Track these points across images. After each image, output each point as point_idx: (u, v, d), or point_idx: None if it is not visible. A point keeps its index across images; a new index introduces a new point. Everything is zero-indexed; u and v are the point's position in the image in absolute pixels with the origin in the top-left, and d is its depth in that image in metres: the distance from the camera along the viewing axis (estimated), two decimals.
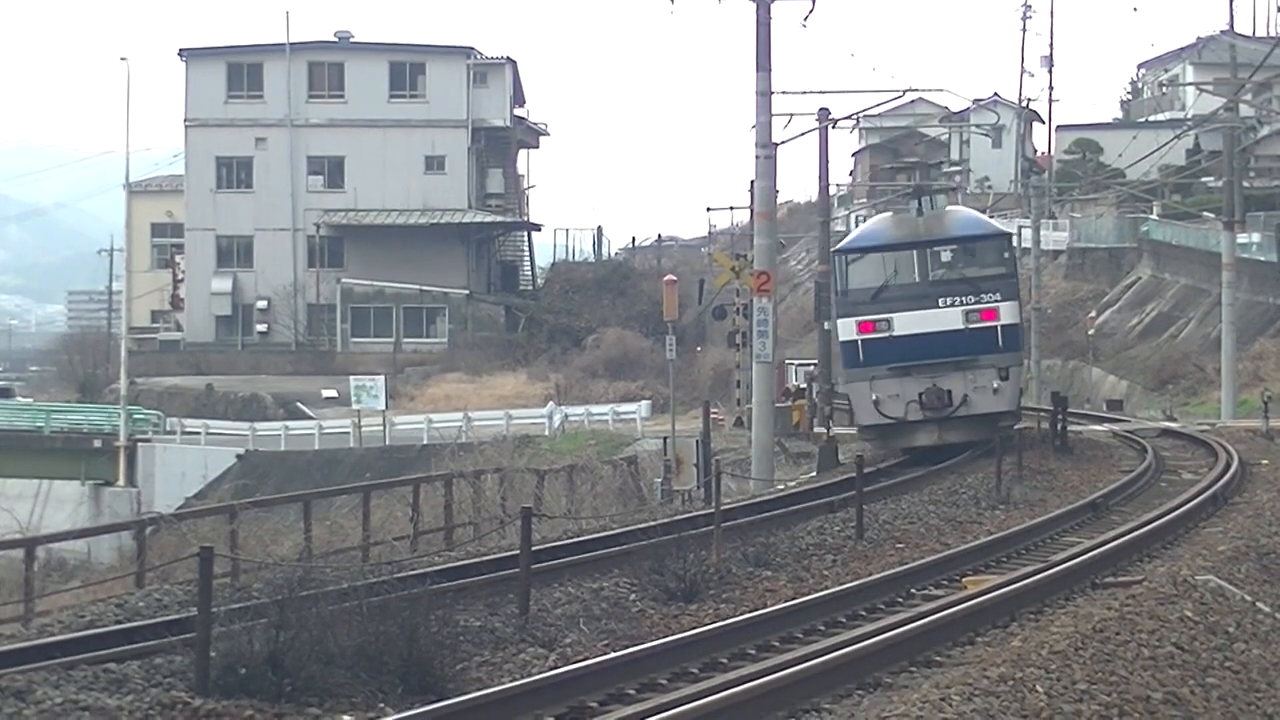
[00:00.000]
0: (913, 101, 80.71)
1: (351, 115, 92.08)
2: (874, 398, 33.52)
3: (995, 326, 33.66)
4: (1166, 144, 59.22)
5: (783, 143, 38.17)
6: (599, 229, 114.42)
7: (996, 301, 33.73)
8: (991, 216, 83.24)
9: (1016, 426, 35.10)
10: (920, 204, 34.95)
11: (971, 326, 33.53)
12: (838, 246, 37.37)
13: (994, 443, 30.35)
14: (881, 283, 33.89)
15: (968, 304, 33.60)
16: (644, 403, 66.20)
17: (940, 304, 33.59)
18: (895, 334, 33.51)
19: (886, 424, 33.81)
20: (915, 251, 33.95)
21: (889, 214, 38.20)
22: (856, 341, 33.84)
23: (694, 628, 16.42)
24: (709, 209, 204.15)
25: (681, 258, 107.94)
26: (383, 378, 68.74)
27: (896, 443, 34.56)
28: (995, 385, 33.43)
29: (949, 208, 36.77)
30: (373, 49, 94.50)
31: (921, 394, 33.27)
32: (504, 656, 15.70)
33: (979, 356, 33.48)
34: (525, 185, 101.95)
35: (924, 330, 33.44)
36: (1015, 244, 40.49)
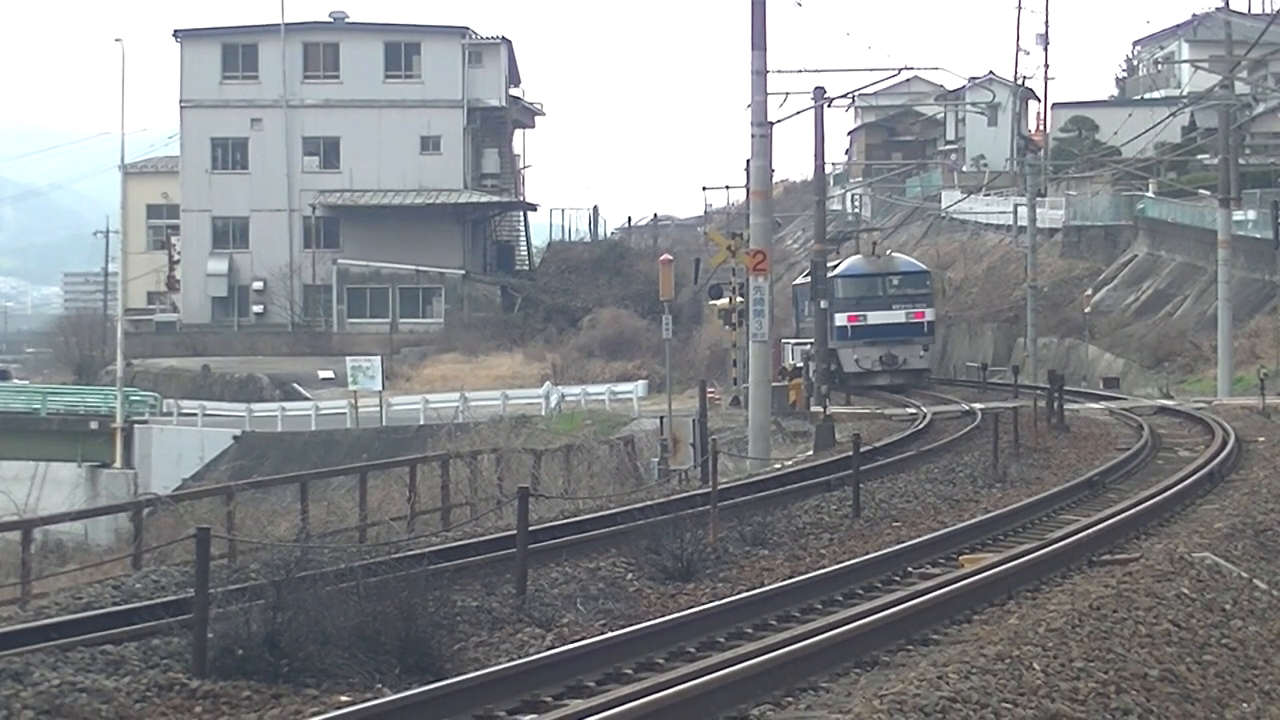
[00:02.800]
0: (908, 80, 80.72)
1: (347, 96, 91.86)
2: (855, 357, 57.03)
3: (923, 321, 57.95)
4: (1162, 121, 59.14)
5: (778, 122, 38.31)
6: (595, 209, 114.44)
7: (923, 307, 58.09)
8: (987, 194, 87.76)
9: (930, 374, 59.47)
10: (874, 250, 60.74)
11: (909, 320, 57.41)
12: (834, 274, 56.18)
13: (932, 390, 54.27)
14: (860, 294, 57.60)
15: (907, 308, 57.55)
16: (640, 382, 66.05)
17: (892, 308, 57.48)
18: (868, 323, 57.10)
19: (862, 371, 57.00)
20: (879, 278, 58.22)
21: (860, 256, 61.25)
22: (846, 326, 56.39)
23: (691, 607, 16.43)
24: (705, 188, 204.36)
25: (677, 237, 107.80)
26: (379, 358, 68.53)
27: (866, 382, 56.42)
28: (921, 354, 58.07)
29: (894, 254, 63.22)
30: (367, 29, 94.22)
31: (881, 356, 57.04)
32: (501, 636, 15.71)
33: (913, 337, 57.71)
34: (521, 165, 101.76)
35: (884, 322, 57.25)
36: (937, 275, 65.17)
